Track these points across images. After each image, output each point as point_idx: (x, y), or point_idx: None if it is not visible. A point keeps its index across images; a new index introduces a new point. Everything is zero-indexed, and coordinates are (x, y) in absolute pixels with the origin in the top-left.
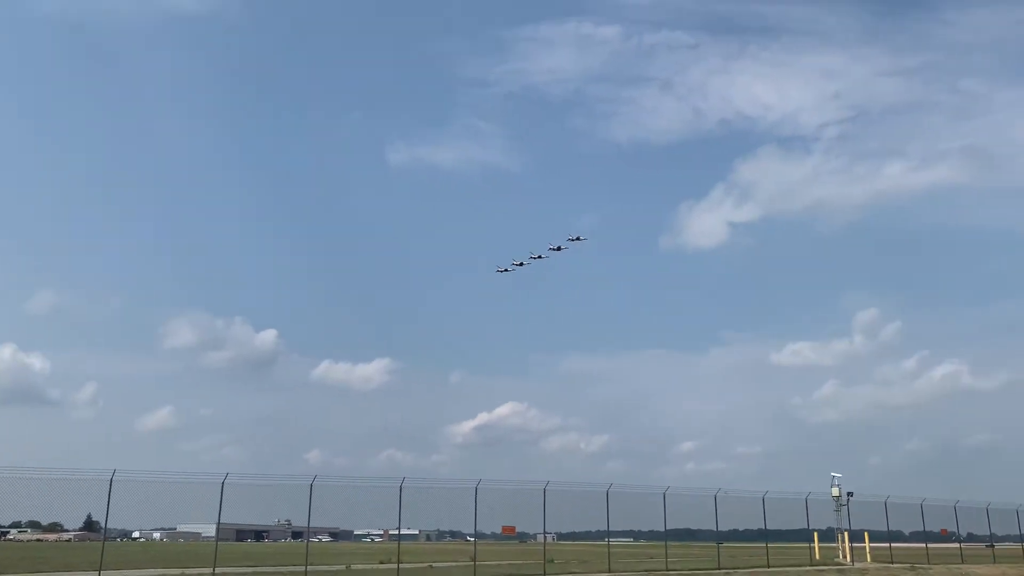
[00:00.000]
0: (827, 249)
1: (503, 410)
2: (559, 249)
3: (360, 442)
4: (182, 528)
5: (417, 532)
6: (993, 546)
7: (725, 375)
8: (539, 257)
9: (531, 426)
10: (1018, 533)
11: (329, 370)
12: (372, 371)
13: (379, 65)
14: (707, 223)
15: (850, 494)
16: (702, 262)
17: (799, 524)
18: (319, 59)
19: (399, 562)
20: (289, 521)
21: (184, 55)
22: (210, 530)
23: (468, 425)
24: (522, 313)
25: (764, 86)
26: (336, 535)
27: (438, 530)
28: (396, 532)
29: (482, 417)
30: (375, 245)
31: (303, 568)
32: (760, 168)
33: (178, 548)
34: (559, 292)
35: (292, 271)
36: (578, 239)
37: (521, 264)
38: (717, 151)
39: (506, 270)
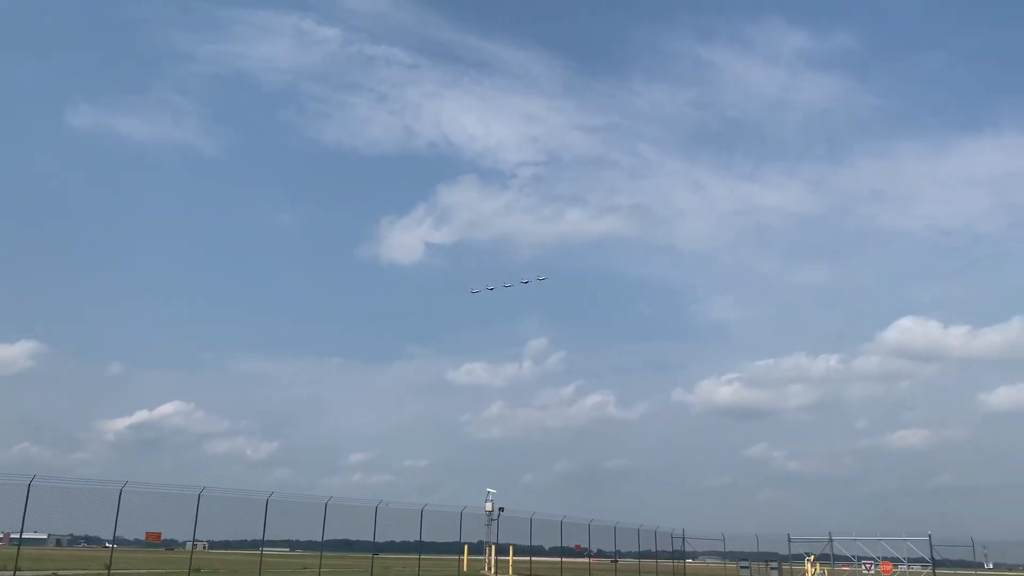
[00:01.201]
0: (512, 278)
1: (166, 408)
2: (526, 283)
3: None
4: None
5: (46, 536)
6: (616, 561)
7: (404, 388)
8: (509, 286)
9: (196, 428)
10: (637, 550)
11: None
12: (14, 354)
13: (68, 18)
14: (406, 240)
15: (501, 509)
16: (397, 276)
17: (454, 537)
18: None
19: (16, 568)
20: None
21: None
22: None
23: (123, 422)
24: (197, 305)
25: (472, 118)
26: None
27: (71, 535)
28: (18, 536)
29: (141, 415)
30: (39, 213)
31: None
32: (460, 194)
33: None
34: (241, 288)
35: None
36: (545, 279)
37: (492, 289)
38: (423, 171)
39: (478, 291)
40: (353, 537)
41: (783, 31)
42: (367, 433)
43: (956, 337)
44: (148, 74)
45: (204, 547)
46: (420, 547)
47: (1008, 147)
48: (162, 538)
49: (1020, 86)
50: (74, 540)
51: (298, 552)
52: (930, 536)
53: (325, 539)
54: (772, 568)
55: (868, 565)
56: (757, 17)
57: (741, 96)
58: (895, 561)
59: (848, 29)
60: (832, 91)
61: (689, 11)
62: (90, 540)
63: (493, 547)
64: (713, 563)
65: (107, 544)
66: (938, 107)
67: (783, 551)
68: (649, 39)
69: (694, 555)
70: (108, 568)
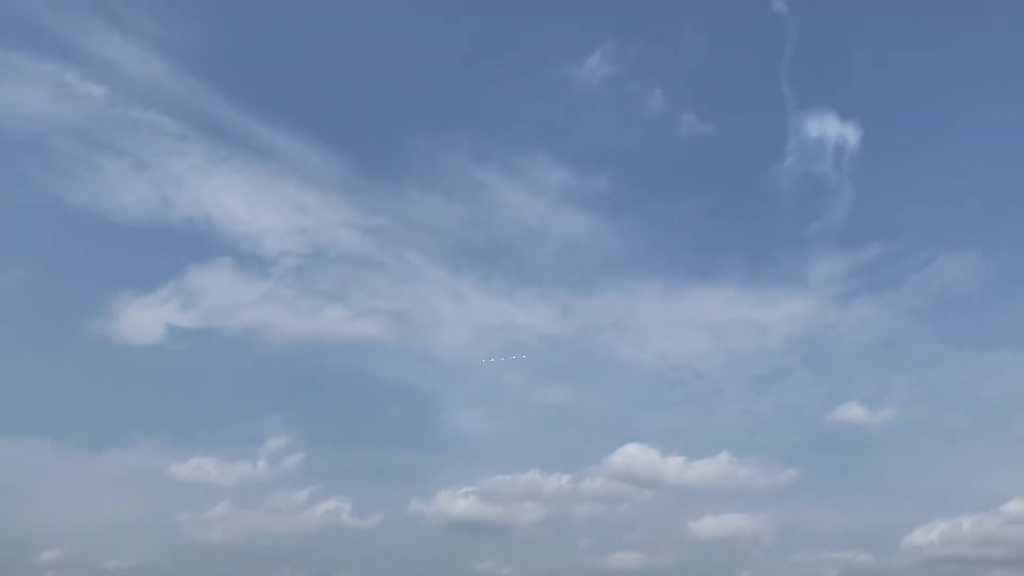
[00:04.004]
0: (259, 372)
1: None
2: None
3: None
4: None
5: None
6: None
7: (117, 479)
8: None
9: None
10: None
11: None
12: None
13: None
14: (145, 319)
15: None
16: (130, 358)
17: None
18: None
19: None
20: None
21: None
22: None
23: None
24: None
25: (237, 199)
26: None
27: None
28: None
29: None
30: None
31: None
32: (213, 277)
33: None
34: None
35: None
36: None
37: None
38: (174, 248)
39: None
40: None
41: (548, 166)
42: (65, 527)
43: (672, 466)
44: None
45: None
46: None
47: (729, 298)
48: None
49: (743, 245)
50: None
51: None
52: None
53: None
54: None
55: None
56: (527, 149)
57: (506, 219)
58: None
59: (603, 173)
60: (585, 226)
61: (468, 133)
62: None
63: None
64: None
65: None
66: (674, 254)
67: None
68: (429, 152)
69: None
70: None
